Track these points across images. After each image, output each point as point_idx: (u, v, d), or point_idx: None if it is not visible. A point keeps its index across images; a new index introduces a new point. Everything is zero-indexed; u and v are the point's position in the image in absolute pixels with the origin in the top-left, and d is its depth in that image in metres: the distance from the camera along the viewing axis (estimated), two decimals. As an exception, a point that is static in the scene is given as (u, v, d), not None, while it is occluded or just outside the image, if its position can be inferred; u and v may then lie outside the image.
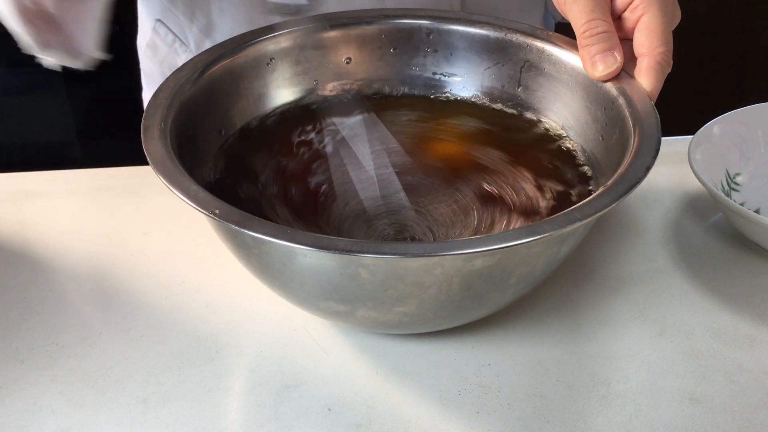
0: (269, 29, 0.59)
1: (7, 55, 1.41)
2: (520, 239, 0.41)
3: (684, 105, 1.18)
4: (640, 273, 0.58)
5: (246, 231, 0.41)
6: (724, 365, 0.51)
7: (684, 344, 0.53)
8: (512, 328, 0.54)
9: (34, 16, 0.58)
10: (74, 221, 0.64)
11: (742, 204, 0.61)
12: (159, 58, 0.78)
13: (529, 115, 0.59)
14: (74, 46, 0.61)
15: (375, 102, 0.61)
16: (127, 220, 0.64)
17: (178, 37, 0.75)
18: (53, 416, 0.48)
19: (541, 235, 0.41)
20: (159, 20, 0.76)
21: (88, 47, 0.61)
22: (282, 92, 0.61)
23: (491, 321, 0.54)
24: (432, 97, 0.62)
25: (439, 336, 0.53)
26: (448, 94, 0.62)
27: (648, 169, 0.46)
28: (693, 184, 0.64)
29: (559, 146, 0.57)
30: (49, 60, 0.61)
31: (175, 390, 0.50)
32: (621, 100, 0.51)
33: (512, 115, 0.60)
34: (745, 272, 0.59)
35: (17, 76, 1.46)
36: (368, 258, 0.41)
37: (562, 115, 0.58)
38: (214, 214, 0.42)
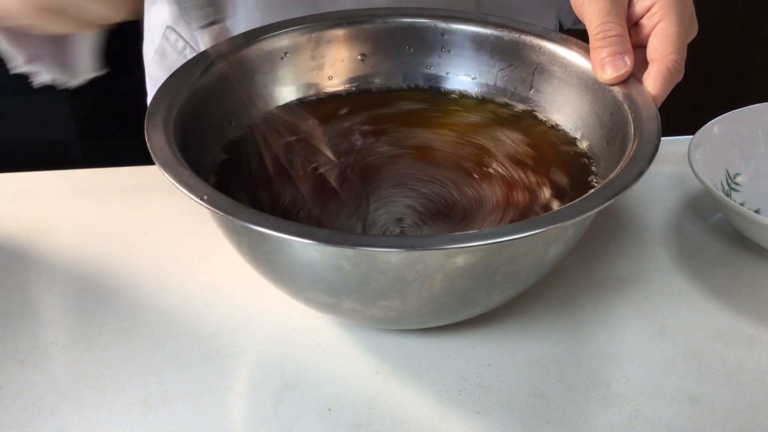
0: (285, 24, 0.60)
1: (7, 55, 1.41)
2: (500, 237, 0.41)
3: (684, 105, 1.18)
4: (640, 272, 0.58)
5: (230, 218, 0.42)
6: (724, 365, 0.51)
7: (684, 344, 0.53)
8: (512, 328, 0.54)
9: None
10: (74, 221, 0.64)
11: (742, 204, 0.61)
12: (168, 64, 0.77)
13: (540, 117, 0.59)
14: (67, 62, 0.57)
15: (386, 99, 0.62)
16: (127, 220, 0.64)
17: (189, 44, 0.75)
18: (53, 416, 0.48)
19: (522, 234, 0.41)
20: (169, 27, 0.76)
21: (83, 68, 0.58)
22: (295, 86, 0.61)
23: (491, 320, 0.54)
24: (444, 96, 0.62)
25: (439, 336, 0.53)
26: (461, 94, 0.62)
27: (641, 173, 0.45)
28: (693, 184, 0.64)
29: (565, 150, 0.57)
30: (40, 76, 0.57)
31: (175, 390, 0.50)
32: (626, 105, 0.51)
33: (522, 117, 0.60)
34: (745, 272, 0.59)
35: (17, 76, 1.46)
36: (348, 249, 0.41)
37: (571, 118, 0.58)
38: (202, 199, 0.43)
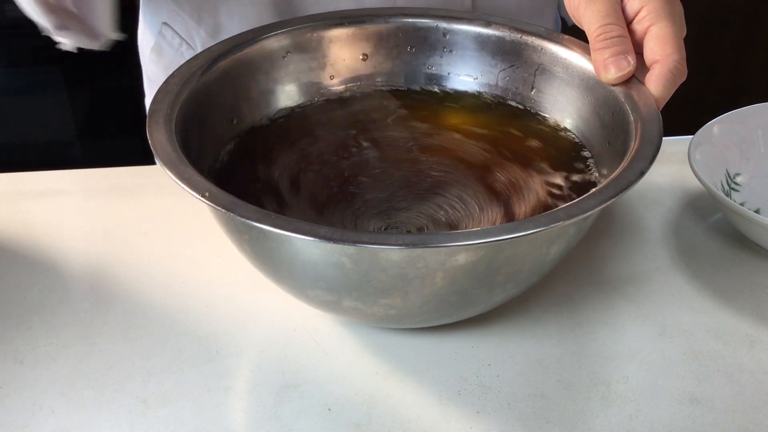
0: (286, 23, 0.60)
1: (7, 55, 1.41)
2: (501, 235, 0.41)
3: (684, 105, 1.18)
4: (640, 273, 0.58)
5: (232, 215, 0.42)
6: (724, 365, 0.51)
7: (684, 344, 0.53)
8: (512, 328, 0.54)
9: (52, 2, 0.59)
10: (74, 221, 0.64)
11: (742, 204, 0.61)
12: (165, 62, 0.77)
13: (541, 117, 0.59)
14: (91, 28, 0.61)
15: (389, 99, 0.62)
16: (127, 220, 0.64)
17: (185, 41, 0.75)
18: (53, 416, 0.48)
19: (524, 233, 0.41)
20: (165, 23, 0.76)
21: (104, 28, 0.62)
22: (296, 86, 0.61)
23: (491, 320, 0.54)
24: (446, 96, 0.62)
25: (439, 335, 0.53)
26: (463, 94, 0.62)
27: (642, 173, 0.45)
28: (693, 184, 0.64)
29: (567, 150, 0.57)
30: (67, 42, 0.61)
31: (175, 390, 0.50)
32: (627, 106, 0.51)
33: (524, 117, 0.60)
34: (745, 272, 0.59)
35: (17, 76, 1.46)
36: (349, 247, 0.41)
37: (573, 119, 0.58)
38: (204, 196, 0.43)
